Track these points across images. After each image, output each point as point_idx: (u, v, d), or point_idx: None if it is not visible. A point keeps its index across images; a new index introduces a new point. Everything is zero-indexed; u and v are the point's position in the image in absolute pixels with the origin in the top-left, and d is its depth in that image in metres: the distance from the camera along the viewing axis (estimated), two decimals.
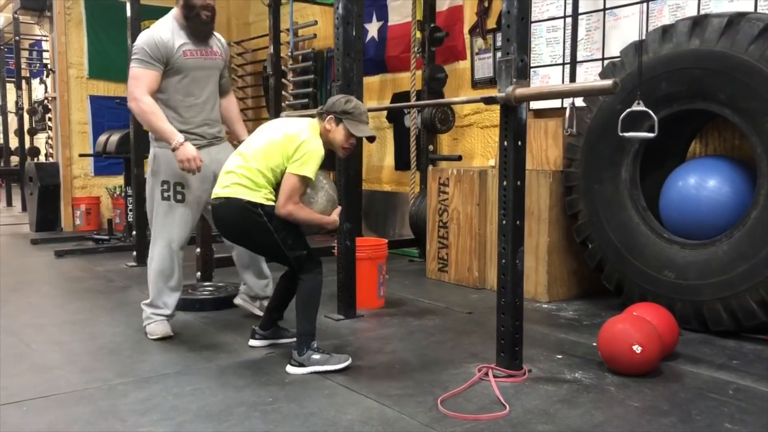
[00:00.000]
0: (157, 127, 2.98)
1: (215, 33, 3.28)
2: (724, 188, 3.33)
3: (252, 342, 3.07)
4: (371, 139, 2.89)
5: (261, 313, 3.44)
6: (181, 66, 3.08)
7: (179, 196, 3.11)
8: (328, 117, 2.80)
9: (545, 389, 2.50)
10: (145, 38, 3.05)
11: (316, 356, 2.70)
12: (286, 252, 2.77)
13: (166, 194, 3.09)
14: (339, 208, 2.86)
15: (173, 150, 2.96)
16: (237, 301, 3.60)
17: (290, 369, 2.71)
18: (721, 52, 3.11)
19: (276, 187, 2.76)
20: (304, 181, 2.70)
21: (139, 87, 2.99)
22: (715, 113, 3.30)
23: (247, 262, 3.43)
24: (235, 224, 2.80)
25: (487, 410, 2.29)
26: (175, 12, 3.14)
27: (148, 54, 3.01)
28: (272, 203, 2.74)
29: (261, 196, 2.73)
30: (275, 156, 2.72)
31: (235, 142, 3.37)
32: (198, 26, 3.12)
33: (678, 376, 2.64)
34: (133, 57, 3.04)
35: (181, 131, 3.03)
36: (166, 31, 3.07)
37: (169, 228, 3.11)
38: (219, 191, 2.80)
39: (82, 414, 2.31)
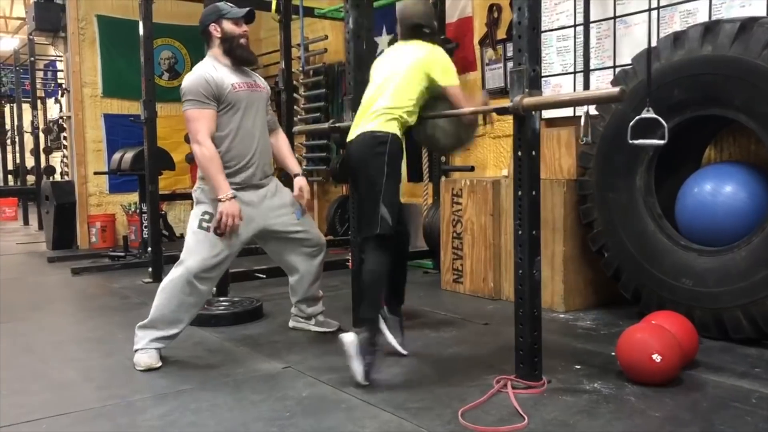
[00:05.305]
0: (212, 176, 2.98)
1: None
2: (740, 194, 3.29)
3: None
4: None
5: (318, 329, 3.51)
6: (233, 100, 3.07)
7: (218, 230, 3.04)
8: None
9: (564, 400, 2.47)
10: (194, 78, 3.02)
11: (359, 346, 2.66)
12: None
13: (205, 224, 3.03)
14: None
15: (219, 200, 2.97)
16: (291, 323, 3.64)
17: (347, 338, 2.67)
18: (735, 58, 3.09)
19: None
20: None
21: (201, 130, 2.98)
22: (729, 119, 3.27)
23: (300, 291, 3.48)
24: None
25: (506, 422, 2.26)
26: (212, 52, 3.14)
27: (201, 93, 2.99)
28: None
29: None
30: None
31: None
32: (242, 53, 3.15)
33: (699, 385, 2.61)
34: (185, 99, 3.01)
35: (233, 180, 3.05)
36: (210, 69, 3.07)
37: (194, 255, 3.02)
38: None
39: (100, 431, 2.32)
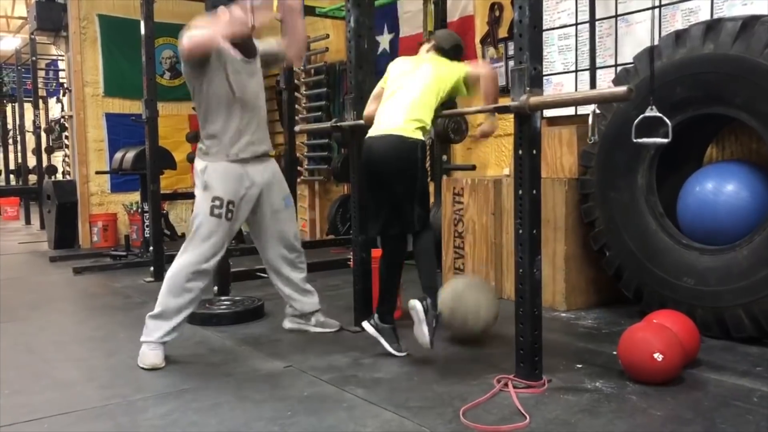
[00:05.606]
0: (209, 31, 2.93)
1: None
2: (742, 192, 3.29)
3: (365, 324, 3.11)
4: None
5: (318, 330, 3.49)
6: (234, 66, 3.08)
7: (230, 215, 3.08)
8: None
9: (566, 399, 2.47)
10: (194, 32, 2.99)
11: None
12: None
13: (217, 211, 3.04)
14: None
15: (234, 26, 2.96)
16: (287, 325, 3.59)
17: (415, 303, 2.85)
18: (736, 56, 3.08)
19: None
20: None
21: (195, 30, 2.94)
22: (731, 117, 3.27)
23: (286, 284, 3.46)
24: None
25: (507, 421, 2.26)
26: None
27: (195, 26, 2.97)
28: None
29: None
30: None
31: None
32: (248, 40, 3.17)
33: (701, 384, 2.61)
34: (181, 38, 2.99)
35: (232, 152, 3.09)
36: None
37: (208, 244, 3.05)
38: None
39: (102, 430, 2.32)
